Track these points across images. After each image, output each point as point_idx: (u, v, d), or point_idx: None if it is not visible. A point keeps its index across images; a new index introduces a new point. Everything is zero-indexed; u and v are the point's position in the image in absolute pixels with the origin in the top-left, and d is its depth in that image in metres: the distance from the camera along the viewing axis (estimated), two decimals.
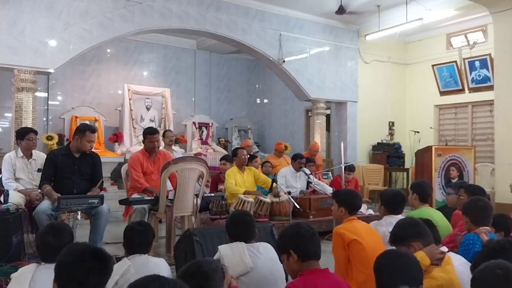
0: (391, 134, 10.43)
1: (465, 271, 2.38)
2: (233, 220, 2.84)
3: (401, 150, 10.06)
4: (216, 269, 1.87)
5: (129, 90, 9.37)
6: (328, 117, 10.21)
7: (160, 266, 2.62)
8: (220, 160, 6.78)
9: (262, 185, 5.97)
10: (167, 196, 4.64)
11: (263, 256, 2.69)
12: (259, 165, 6.98)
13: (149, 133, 5.01)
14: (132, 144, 9.10)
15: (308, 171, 6.47)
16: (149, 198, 4.62)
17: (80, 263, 1.67)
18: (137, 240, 2.69)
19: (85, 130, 4.34)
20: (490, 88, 8.30)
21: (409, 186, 4.66)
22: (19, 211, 4.23)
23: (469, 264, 2.47)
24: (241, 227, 2.77)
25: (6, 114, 8.81)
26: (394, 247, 2.37)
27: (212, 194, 5.67)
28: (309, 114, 10.62)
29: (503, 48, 7.16)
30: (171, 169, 4.53)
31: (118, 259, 2.74)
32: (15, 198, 4.40)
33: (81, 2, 6.86)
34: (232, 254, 2.61)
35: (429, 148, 6.95)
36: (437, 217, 3.47)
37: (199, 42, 11.06)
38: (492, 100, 7.73)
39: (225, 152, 9.72)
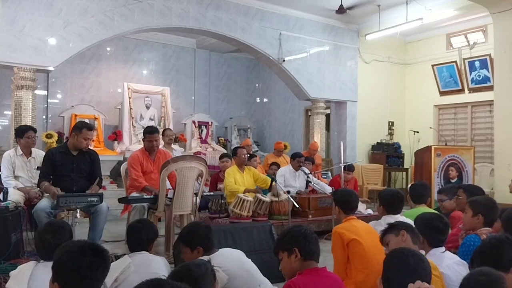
0: (391, 134, 10.43)
1: (458, 269, 2.39)
2: (191, 230, 2.74)
3: (401, 150, 10.06)
4: (205, 273, 1.86)
5: (128, 88, 9.36)
6: (327, 116, 10.21)
7: (160, 265, 2.63)
8: (221, 158, 6.73)
9: (261, 185, 5.96)
10: (167, 195, 4.64)
11: (230, 260, 2.63)
12: (257, 164, 6.96)
13: (148, 132, 5.01)
14: (132, 143, 9.10)
15: (307, 170, 6.47)
16: (148, 196, 4.62)
17: (81, 259, 1.67)
18: (136, 237, 2.70)
19: (81, 127, 4.34)
20: (490, 88, 8.31)
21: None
22: (18, 209, 4.23)
23: (463, 262, 2.48)
24: (203, 237, 2.67)
25: (5, 112, 8.81)
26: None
27: (211, 193, 5.67)
28: (309, 114, 10.62)
29: (503, 48, 7.16)
30: (171, 167, 4.52)
31: (117, 257, 2.75)
32: (14, 196, 4.41)
33: (80, 0, 6.85)
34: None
35: (428, 148, 6.96)
36: None
37: (199, 41, 11.06)
38: (492, 101, 7.74)
39: (224, 151, 9.71)
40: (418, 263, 1.82)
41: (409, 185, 8.82)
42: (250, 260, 2.73)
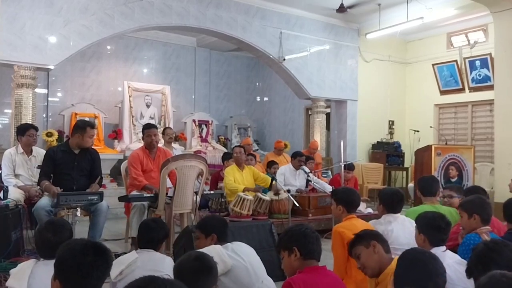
0: (391, 133, 10.43)
1: (459, 268, 2.39)
2: (208, 218, 2.96)
3: (401, 149, 10.06)
4: (215, 266, 1.92)
5: (129, 87, 9.36)
6: (328, 115, 10.20)
7: (164, 263, 2.66)
8: (228, 159, 6.66)
9: (261, 184, 5.96)
10: (167, 193, 4.64)
11: (242, 252, 2.73)
12: (256, 163, 6.92)
13: (146, 128, 5.07)
14: (132, 141, 9.10)
15: (307, 170, 6.47)
16: (148, 195, 4.62)
17: (83, 257, 1.67)
18: (147, 236, 2.75)
19: (85, 126, 4.36)
20: (490, 87, 8.30)
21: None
22: (18, 207, 4.24)
23: (463, 261, 2.48)
24: (219, 226, 2.82)
25: (5, 110, 8.81)
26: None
27: (212, 192, 5.67)
28: (309, 113, 10.62)
29: (503, 47, 7.15)
30: (171, 166, 4.53)
31: (117, 255, 2.76)
32: (15, 194, 4.41)
33: None
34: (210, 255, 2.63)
35: (428, 147, 6.96)
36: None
37: (199, 40, 11.05)
38: (492, 100, 7.74)
39: (224, 150, 9.72)
40: (429, 260, 1.86)
41: (409, 184, 8.86)
42: (259, 258, 2.80)
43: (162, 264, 2.63)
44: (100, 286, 1.73)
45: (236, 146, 6.40)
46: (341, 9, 8.42)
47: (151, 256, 2.67)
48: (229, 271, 2.57)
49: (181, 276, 1.85)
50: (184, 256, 1.93)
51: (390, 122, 10.46)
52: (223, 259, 2.59)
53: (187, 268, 1.85)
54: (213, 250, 2.63)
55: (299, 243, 2.24)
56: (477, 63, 9.04)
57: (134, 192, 4.81)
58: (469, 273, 1.97)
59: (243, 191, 5.50)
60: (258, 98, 12.79)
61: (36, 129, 4.99)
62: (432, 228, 2.54)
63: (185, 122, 10.46)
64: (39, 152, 4.91)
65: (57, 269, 1.70)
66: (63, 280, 1.67)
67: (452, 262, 2.42)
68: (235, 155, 5.91)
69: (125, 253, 2.79)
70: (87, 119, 7.90)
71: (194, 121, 10.42)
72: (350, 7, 8.56)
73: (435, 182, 3.89)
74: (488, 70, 8.79)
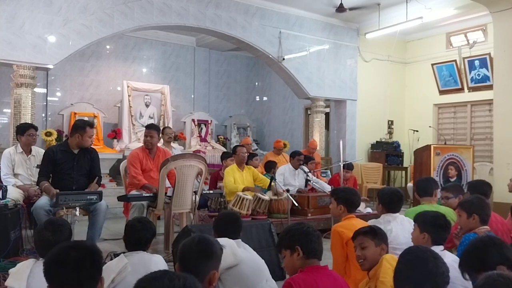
0: (390, 133, 10.44)
1: (457, 267, 2.40)
2: (223, 218, 3.02)
3: (400, 148, 10.06)
4: (218, 251, 1.94)
5: (128, 86, 9.37)
6: (327, 115, 10.21)
7: (157, 263, 2.61)
8: (226, 158, 6.66)
9: (260, 185, 5.95)
10: (166, 193, 4.64)
11: (248, 251, 2.81)
12: (259, 164, 6.92)
13: (145, 127, 5.16)
14: (131, 141, 9.10)
15: (306, 169, 6.47)
16: (147, 195, 4.63)
17: (62, 255, 1.65)
18: (136, 236, 2.67)
19: (84, 126, 4.37)
20: (490, 87, 8.31)
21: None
22: (17, 207, 4.24)
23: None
24: (230, 225, 2.91)
25: (5, 110, 8.80)
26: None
27: (211, 191, 5.67)
28: (308, 112, 10.62)
29: (502, 47, 7.16)
30: (170, 166, 4.53)
31: (116, 255, 2.75)
32: (14, 194, 4.41)
33: None
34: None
35: (428, 147, 6.96)
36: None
37: (198, 39, 11.05)
38: (491, 100, 7.74)
39: (224, 150, 9.71)
40: (430, 258, 1.89)
41: (408, 184, 8.87)
42: (264, 261, 2.87)
43: (155, 265, 2.56)
44: (98, 277, 1.70)
45: (238, 145, 6.38)
46: (341, 9, 8.43)
47: (142, 258, 2.60)
48: (237, 266, 2.60)
49: (184, 258, 1.85)
50: (188, 239, 1.93)
51: (390, 122, 10.47)
52: (235, 252, 2.63)
53: (190, 251, 1.84)
54: (226, 242, 2.66)
55: (301, 242, 2.22)
56: (476, 63, 9.04)
57: (133, 192, 4.81)
58: (461, 265, 2.02)
59: (243, 190, 5.50)
60: (258, 98, 12.80)
61: (36, 128, 5.00)
62: (437, 227, 2.56)
63: (185, 122, 10.47)
64: (39, 152, 4.91)
65: (46, 276, 1.67)
66: (54, 281, 1.65)
67: (450, 261, 2.42)
68: (240, 154, 5.89)
69: (124, 252, 2.76)
70: (86, 118, 7.92)
71: (193, 120, 10.43)
72: (351, 8, 8.56)
73: (431, 183, 3.91)
74: (487, 70, 8.80)
